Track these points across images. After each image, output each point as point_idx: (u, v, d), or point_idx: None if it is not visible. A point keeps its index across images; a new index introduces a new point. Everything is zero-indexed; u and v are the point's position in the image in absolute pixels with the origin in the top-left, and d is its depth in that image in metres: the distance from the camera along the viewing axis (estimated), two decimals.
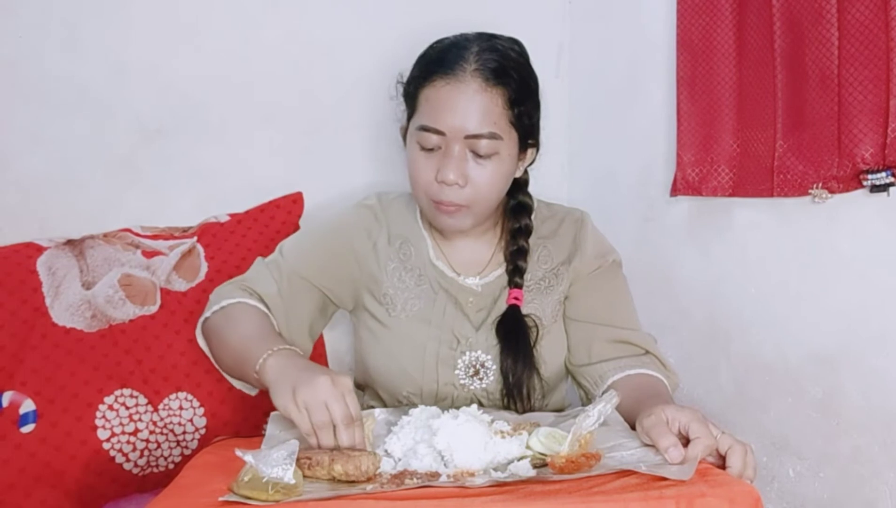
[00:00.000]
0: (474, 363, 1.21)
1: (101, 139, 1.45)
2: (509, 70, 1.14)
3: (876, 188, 1.01)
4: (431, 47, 1.19)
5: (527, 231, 1.25)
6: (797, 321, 1.17)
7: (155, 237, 1.39)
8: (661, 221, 1.45)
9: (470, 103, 1.10)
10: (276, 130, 1.56)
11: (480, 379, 1.20)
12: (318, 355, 1.42)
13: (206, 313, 1.19)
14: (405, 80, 1.22)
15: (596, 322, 1.24)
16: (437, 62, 1.14)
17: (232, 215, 1.46)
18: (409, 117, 1.19)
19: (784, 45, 1.12)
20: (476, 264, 1.27)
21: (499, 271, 1.26)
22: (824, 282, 1.13)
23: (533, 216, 1.28)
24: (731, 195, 1.25)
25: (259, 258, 1.28)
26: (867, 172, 1.02)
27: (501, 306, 1.23)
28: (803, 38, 1.08)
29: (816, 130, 1.08)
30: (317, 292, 1.24)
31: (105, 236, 1.37)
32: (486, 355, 1.21)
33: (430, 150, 1.14)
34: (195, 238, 1.39)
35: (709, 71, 1.25)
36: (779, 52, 1.13)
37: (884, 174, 1.00)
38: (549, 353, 1.23)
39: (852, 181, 1.04)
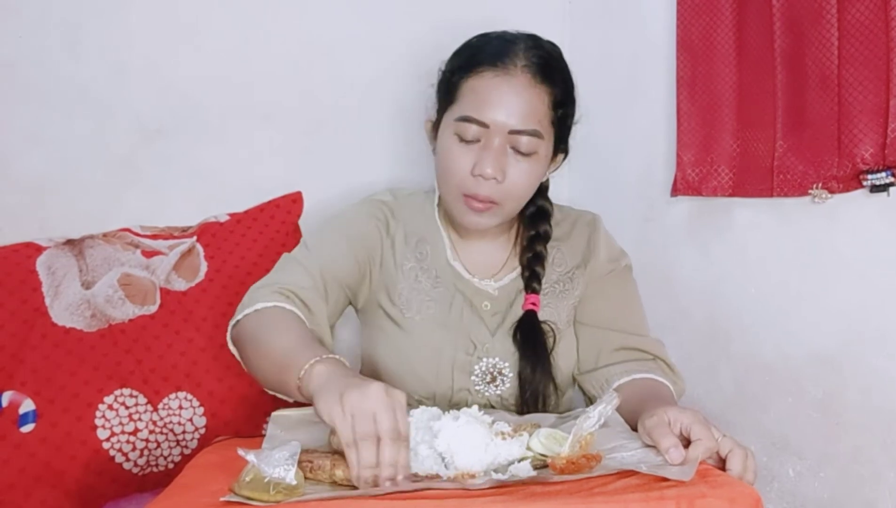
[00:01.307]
0: (491, 369, 1.18)
1: (101, 139, 1.45)
2: (556, 70, 1.13)
3: (876, 188, 1.01)
4: (477, 39, 1.17)
5: (545, 237, 1.23)
6: (797, 321, 1.17)
7: (154, 237, 1.39)
8: (662, 221, 1.45)
9: (517, 98, 1.09)
10: (276, 130, 1.56)
11: (497, 386, 1.18)
12: None
13: (238, 316, 1.10)
14: (445, 69, 1.19)
15: (606, 327, 1.22)
16: (486, 53, 1.12)
17: (231, 215, 1.46)
18: (443, 110, 1.16)
19: (784, 45, 1.12)
20: (491, 266, 1.25)
21: (513, 275, 1.24)
22: (824, 282, 1.13)
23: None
24: (731, 195, 1.25)
25: (286, 255, 1.21)
26: (867, 172, 1.02)
27: (517, 311, 1.21)
28: (803, 38, 1.08)
29: (816, 130, 1.08)
30: (341, 290, 1.20)
31: (105, 235, 1.37)
32: (503, 362, 1.18)
33: (468, 142, 1.11)
34: (195, 238, 1.39)
35: (709, 71, 1.26)
36: (779, 52, 1.13)
37: (884, 174, 1.00)
38: (563, 359, 1.21)
39: (852, 181, 1.04)
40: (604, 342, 1.22)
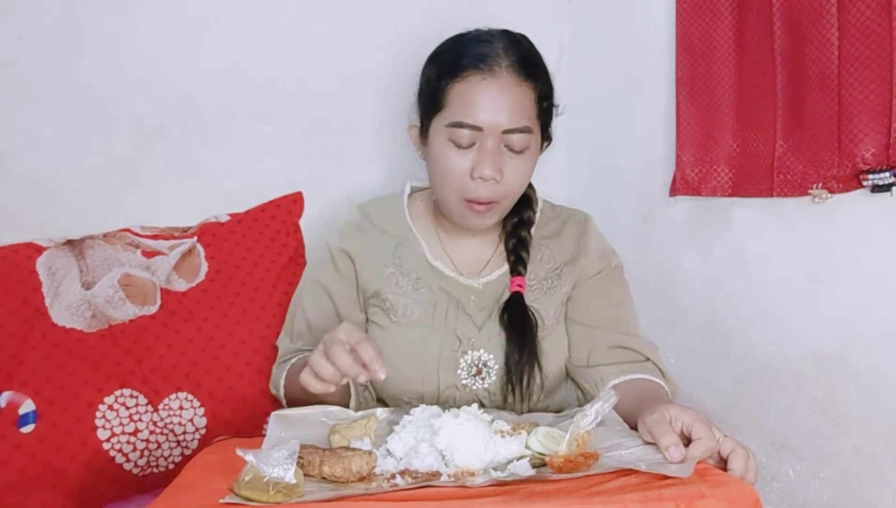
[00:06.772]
0: (476, 362, 1.20)
1: (101, 139, 1.45)
2: (538, 65, 1.16)
3: (878, 188, 1.01)
4: (453, 42, 1.18)
5: (528, 223, 1.25)
6: (797, 321, 1.17)
7: (155, 237, 1.39)
8: (661, 221, 1.45)
9: (506, 98, 1.10)
10: (277, 130, 1.56)
11: (483, 379, 1.19)
12: None
13: (283, 399, 1.23)
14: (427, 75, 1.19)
15: (597, 326, 1.23)
16: (468, 57, 1.13)
17: (232, 215, 1.46)
18: (431, 116, 1.16)
19: (784, 45, 1.12)
20: (477, 263, 1.26)
21: (501, 270, 1.25)
22: (824, 282, 1.12)
23: (538, 215, 1.28)
24: (730, 195, 1.25)
25: (282, 337, 1.28)
26: (868, 172, 1.01)
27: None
28: (803, 38, 1.08)
29: (816, 130, 1.08)
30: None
31: (105, 235, 1.37)
32: (488, 354, 1.20)
33: (464, 147, 1.12)
34: (195, 238, 1.39)
35: (708, 71, 1.25)
36: (779, 52, 1.13)
37: (887, 174, 1.00)
38: (552, 349, 1.22)
39: (852, 181, 1.04)
40: (595, 341, 1.22)
